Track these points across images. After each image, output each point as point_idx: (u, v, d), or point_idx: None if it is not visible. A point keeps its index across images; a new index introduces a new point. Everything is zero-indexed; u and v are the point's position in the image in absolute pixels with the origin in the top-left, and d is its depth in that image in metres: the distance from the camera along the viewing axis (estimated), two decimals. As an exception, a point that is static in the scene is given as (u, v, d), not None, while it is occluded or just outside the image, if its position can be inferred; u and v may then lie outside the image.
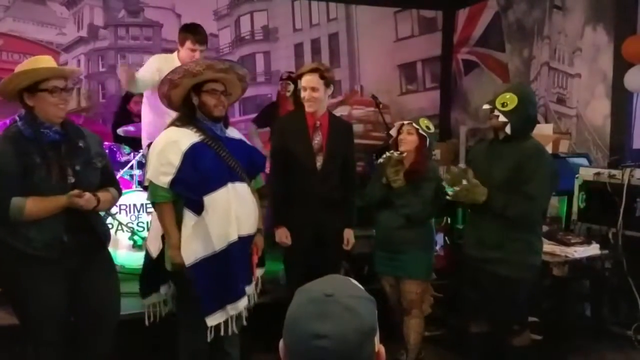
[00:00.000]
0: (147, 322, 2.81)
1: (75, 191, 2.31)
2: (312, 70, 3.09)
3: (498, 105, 2.86)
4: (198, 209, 2.57)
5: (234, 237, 2.60)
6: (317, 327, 1.02)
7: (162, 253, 2.73)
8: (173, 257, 2.61)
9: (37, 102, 2.35)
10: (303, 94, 3.12)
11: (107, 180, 2.61)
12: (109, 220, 3.88)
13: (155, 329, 3.02)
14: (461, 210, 3.86)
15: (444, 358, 3.64)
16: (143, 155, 4.08)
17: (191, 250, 2.59)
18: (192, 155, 2.55)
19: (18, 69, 2.39)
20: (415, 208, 3.06)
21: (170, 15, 5.93)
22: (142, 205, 4.15)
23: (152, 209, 3.71)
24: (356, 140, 3.48)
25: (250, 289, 2.77)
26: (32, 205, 2.28)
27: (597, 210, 3.97)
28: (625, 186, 3.75)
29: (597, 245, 3.75)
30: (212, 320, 2.61)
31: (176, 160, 2.53)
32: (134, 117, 4.95)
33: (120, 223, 4.14)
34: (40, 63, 2.40)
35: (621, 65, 4.33)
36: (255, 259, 2.80)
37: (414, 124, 3.10)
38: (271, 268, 3.05)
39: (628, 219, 3.74)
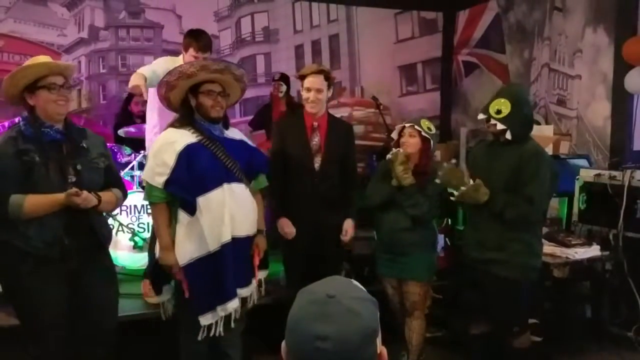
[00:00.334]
0: (163, 317, 2.82)
1: (73, 189, 2.31)
2: (318, 72, 3.09)
3: (492, 113, 2.86)
4: (192, 209, 2.58)
5: (226, 238, 2.60)
6: (319, 328, 1.02)
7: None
8: (163, 259, 2.63)
9: (37, 100, 2.37)
10: (307, 95, 3.10)
11: (112, 181, 2.61)
12: (110, 221, 3.88)
13: (156, 330, 3.02)
14: (462, 212, 3.86)
15: (445, 359, 3.64)
16: (145, 156, 4.07)
17: (185, 251, 2.60)
18: (186, 155, 2.56)
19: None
20: (422, 208, 3.05)
21: (171, 17, 5.94)
22: (142, 206, 4.15)
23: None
24: (356, 142, 3.48)
25: (247, 291, 2.75)
26: (31, 203, 2.28)
27: (597, 212, 3.97)
28: (625, 187, 3.75)
29: (598, 247, 3.75)
30: (205, 320, 2.62)
31: (171, 160, 2.55)
32: (135, 118, 4.95)
33: (120, 224, 4.15)
34: (36, 61, 2.42)
35: (621, 67, 4.34)
36: (256, 260, 2.79)
37: (415, 126, 3.08)
38: (272, 269, 3.04)
39: (628, 221, 3.74)
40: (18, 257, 2.35)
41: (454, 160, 2.94)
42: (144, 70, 3.20)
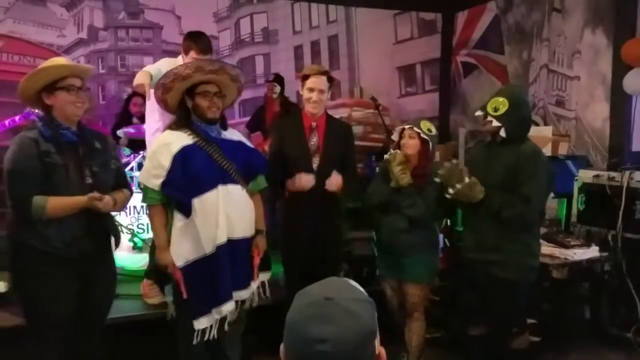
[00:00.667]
0: (168, 317, 2.84)
1: (96, 194, 2.37)
2: (321, 73, 3.09)
3: (490, 111, 2.87)
4: (187, 211, 2.59)
5: (221, 240, 2.60)
6: (317, 330, 1.02)
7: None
8: (159, 258, 2.65)
9: (56, 100, 2.40)
10: (309, 95, 3.09)
11: (120, 181, 2.65)
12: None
13: (155, 331, 3.02)
14: (461, 212, 3.87)
15: (444, 360, 3.65)
16: (144, 157, 4.07)
17: (181, 253, 2.60)
18: (181, 157, 2.57)
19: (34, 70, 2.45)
20: (420, 209, 3.05)
21: (170, 17, 5.94)
22: (142, 207, 4.15)
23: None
24: (355, 142, 3.48)
25: (245, 293, 2.75)
26: (53, 205, 2.32)
27: (596, 213, 3.98)
28: (624, 188, 3.76)
29: (597, 248, 3.76)
30: (199, 324, 2.61)
31: (166, 162, 2.56)
32: (133, 119, 4.95)
33: (120, 225, 4.14)
34: (57, 62, 2.47)
35: (620, 68, 4.34)
36: (256, 261, 2.79)
37: (415, 128, 3.09)
38: (271, 270, 3.03)
39: (627, 221, 3.74)
40: (35, 257, 2.37)
41: (455, 160, 2.93)
42: (150, 68, 3.20)
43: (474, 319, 3.20)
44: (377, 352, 1.09)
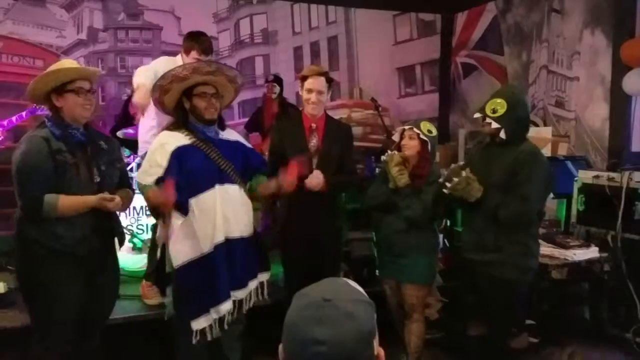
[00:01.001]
0: (166, 317, 2.83)
1: (107, 195, 2.42)
2: (320, 74, 3.10)
3: (488, 112, 2.87)
4: (185, 210, 2.60)
5: (219, 239, 2.61)
6: (315, 332, 1.01)
7: (163, 256, 2.74)
8: (152, 198, 2.63)
9: (65, 102, 2.44)
10: (308, 96, 3.09)
11: (124, 181, 2.70)
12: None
13: (154, 331, 3.02)
14: (460, 213, 3.87)
15: (443, 361, 3.65)
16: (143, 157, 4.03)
17: (180, 252, 2.61)
18: (178, 157, 2.59)
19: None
20: (417, 211, 3.06)
21: (169, 18, 5.94)
22: (141, 207, 4.16)
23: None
24: (355, 143, 3.48)
25: (242, 293, 2.74)
26: (64, 203, 2.35)
27: (596, 213, 3.98)
28: (624, 189, 3.75)
29: (596, 248, 3.76)
30: (197, 324, 2.61)
31: (163, 161, 2.59)
32: (133, 120, 4.95)
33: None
34: (65, 65, 2.51)
35: (619, 69, 4.35)
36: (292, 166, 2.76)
37: (415, 129, 3.09)
38: (271, 270, 3.03)
39: (627, 222, 3.74)
40: (45, 255, 2.39)
41: (461, 163, 2.94)
42: (148, 78, 3.16)
43: (473, 320, 3.20)
44: (376, 353, 1.09)
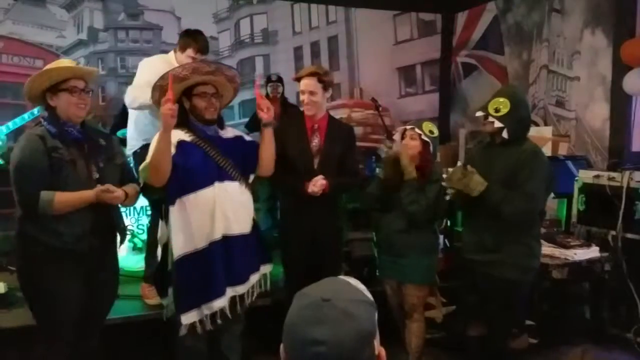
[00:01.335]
0: (164, 318, 2.82)
1: (105, 186, 2.40)
2: (310, 74, 3.09)
3: (491, 111, 2.86)
4: (172, 197, 2.61)
5: (216, 236, 2.61)
6: (315, 332, 1.01)
7: (164, 257, 2.74)
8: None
9: (59, 101, 2.44)
10: (302, 97, 3.13)
11: (127, 176, 2.68)
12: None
13: (155, 331, 3.02)
14: (461, 213, 3.87)
15: (443, 361, 3.64)
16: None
17: (178, 244, 2.61)
18: (178, 149, 2.59)
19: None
20: (421, 206, 3.04)
21: (170, 18, 5.94)
22: (142, 207, 4.16)
23: (150, 212, 3.72)
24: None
25: (243, 288, 2.73)
26: (60, 199, 2.34)
27: (596, 213, 3.98)
28: (624, 189, 3.75)
29: (597, 248, 3.76)
30: (186, 319, 2.61)
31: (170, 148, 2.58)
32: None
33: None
34: (61, 65, 2.51)
35: (620, 69, 4.34)
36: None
37: (416, 129, 3.09)
38: (272, 270, 3.03)
39: (627, 222, 3.74)
40: (45, 254, 2.39)
41: (460, 163, 2.94)
42: (146, 77, 3.15)
43: (472, 320, 3.20)
44: (376, 352, 1.09)
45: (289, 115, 4.58)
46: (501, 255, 2.87)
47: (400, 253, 3.12)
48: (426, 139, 3.08)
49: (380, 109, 5.06)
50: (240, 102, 5.72)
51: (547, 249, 3.59)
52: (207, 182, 2.62)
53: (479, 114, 2.94)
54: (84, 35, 5.71)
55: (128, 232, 4.10)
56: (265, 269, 2.89)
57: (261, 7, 6.36)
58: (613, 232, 3.80)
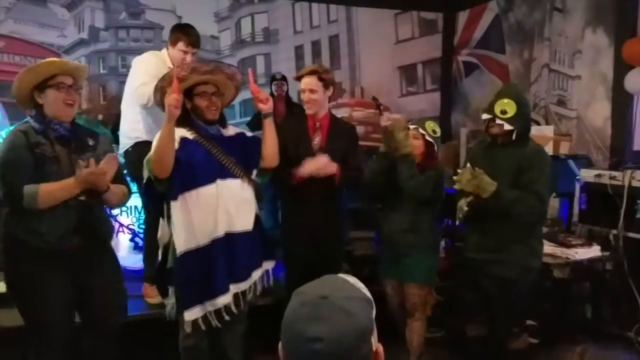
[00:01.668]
0: (168, 318, 2.79)
1: (82, 162, 2.34)
2: (311, 73, 3.10)
3: (498, 113, 2.84)
4: (175, 192, 2.60)
5: (218, 233, 2.62)
6: (312, 330, 1.02)
7: (165, 256, 2.74)
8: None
9: (46, 98, 2.41)
10: (302, 96, 3.14)
11: (116, 178, 2.62)
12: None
13: (156, 331, 3.02)
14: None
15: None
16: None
17: (180, 240, 2.61)
18: (181, 144, 2.59)
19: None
20: (419, 181, 3.02)
21: (171, 17, 5.93)
22: (142, 207, 4.15)
23: (145, 213, 3.72)
24: (356, 142, 3.47)
25: (245, 285, 2.74)
26: (45, 191, 2.31)
27: (597, 212, 3.98)
28: (626, 188, 3.75)
29: (598, 247, 3.76)
30: (189, 315, 2.61)
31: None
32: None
33: (121, 225, 4.15)
34: (48, 61, 2.47)
35: (621, 68, 4.33)
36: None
37: (420, 130, 3.08)
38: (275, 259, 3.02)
39: (629, 221, 3.74)
40: (29, 255, 2.38)
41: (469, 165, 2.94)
42: (144, 78, 3.18)
43: (473, 319, 3.20)
44: (374, 349, 1.09)
45: (294, 114, 4.58)
46: (503, 255, 2.87)
47: (404, 252, 3.12)
48: (430, 140, 3.08)
49: (382, 108, 5.06)
50: (242, 101, 5.71)
51: (548, 248, 3.58)
52: (209, 180, 2.62)
53: (485, 116, 2.91)
54: (85, 35, 5.70)
55: (129, 232, 4.12)
56: (268, 264, 2.89)
57: (262, 6, 6.35)
58: (614, 232, 3.80)
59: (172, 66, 3.20)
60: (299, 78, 3.16)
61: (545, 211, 2.96)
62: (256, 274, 2.79)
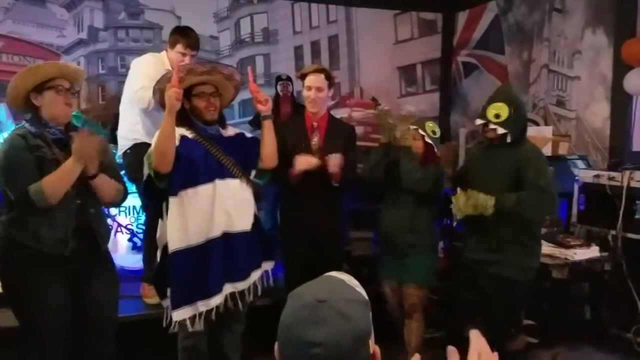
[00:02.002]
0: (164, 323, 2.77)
1: (72, 135, 2.33)
2: (317, 71, 3.10)
3: (491, 118, 2.85)
4: (174, 190, 2.59)
5: (214, 234, 2.61)
6: (311, 334, 1.01)
7: (164, 257, 2.73)
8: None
9: (44, 100, 2.40)
10: (307, 94, 3.11)
11: (113, 176, 2.62)
12: (109, 221, 3.87)
13: (155, 331, 3.01)
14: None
15: (443, 360, 3.63)
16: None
17: (173, 238, 2.60)
18: (182, 141, 2.59)
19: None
20: (418, 174, 3.02)
21: (170, 18, 5.93)
22: (141, 207, 4.15)
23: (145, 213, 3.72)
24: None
25: (244, 284, 2.73)
26: (48, 183, 2.29)
27: (596, 213, 3.98)
28: (624, 188, 3.75)
29: (597, 248, 3.76)
30: (177, 315, 2.58)
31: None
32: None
33: (119, 225, 4.15)
34: (45, 63, 2.49)
35: (621, 68, 4.33)
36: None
37: (420, 130, 3.08)
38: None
39: (627, 222, 3.74)
40: (27, 259, 2.37)
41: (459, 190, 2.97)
42: (144, 80, 3.19)
43: (471, 320, 3.20)
44: (371, 351, 1.09)
45: (300, 114, 4.58)
46: (502, 255, 2.87)
47: (403, 252, 3.12)
48: (430, 141, 3.07)
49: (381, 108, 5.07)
50: (241, 101, 5.71)
51: (547, 248, 3.59)
52: (207, 179, 2.62)
53: (479, 122, 2.93)
54: (84, 35, 5.70)
55: (127, 232, 4.12)
56: (267, 265, 2.89)
57: (261, 6, 6.35)
58: (613, 232, 3.80)
59: (170, 68, 3.20)
60: (303, 76, 3.14)
61: (557, 204, 2.95)
62: (255, 275, 2.78)
